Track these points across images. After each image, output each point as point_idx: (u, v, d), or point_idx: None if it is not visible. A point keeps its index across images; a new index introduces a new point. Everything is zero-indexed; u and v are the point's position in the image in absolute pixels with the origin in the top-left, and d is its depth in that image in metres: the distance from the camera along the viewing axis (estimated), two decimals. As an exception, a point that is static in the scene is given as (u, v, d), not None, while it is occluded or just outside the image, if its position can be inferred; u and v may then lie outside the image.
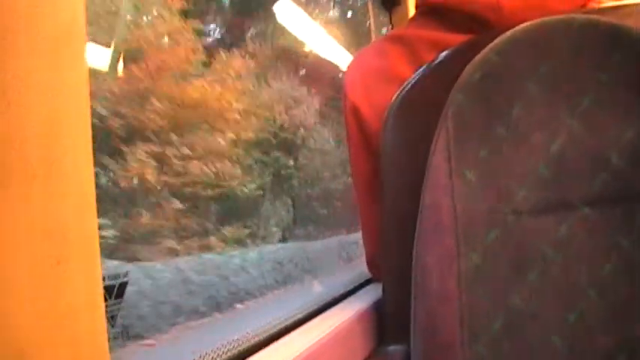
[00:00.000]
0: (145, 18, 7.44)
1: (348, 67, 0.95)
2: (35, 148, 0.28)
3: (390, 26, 1.57)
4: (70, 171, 0.30)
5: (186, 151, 7.11)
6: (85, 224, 0.31)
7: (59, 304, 0.29)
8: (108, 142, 6.22)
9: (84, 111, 0.32)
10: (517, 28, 0.68)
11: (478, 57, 0.68)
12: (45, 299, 0.29)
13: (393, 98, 0.80)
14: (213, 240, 7.12)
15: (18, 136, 0.27)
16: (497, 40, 0.68)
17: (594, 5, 0.79)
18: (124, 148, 6.53)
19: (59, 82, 0.30)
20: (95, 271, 0.32)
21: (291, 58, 8.77)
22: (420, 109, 0.78)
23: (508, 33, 0.68)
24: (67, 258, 0.30)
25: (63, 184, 0.30)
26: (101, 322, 0.32)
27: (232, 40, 8.85)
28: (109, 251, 5.33)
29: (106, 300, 0.34)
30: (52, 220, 0.29)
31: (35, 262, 0.28)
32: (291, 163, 9.02)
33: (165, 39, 7.37)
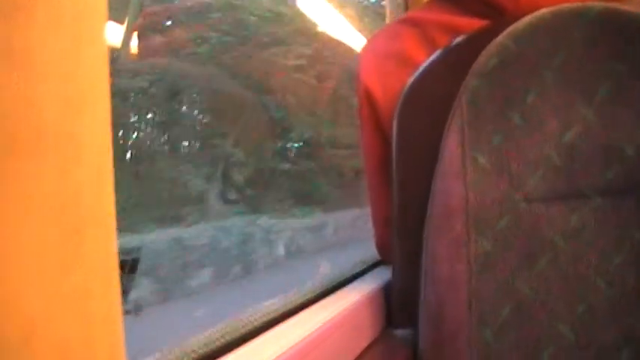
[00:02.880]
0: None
1: (362, 49, 0.94)
2: (53, 117, 0.28)
3: (405, 8, 1.56)
4: (87, 141, 0.30)
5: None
6: (101, 195, 0.31)
7: (73, 276, 0.29)
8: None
9: (103, 83, 0.32)
10: (534, 14, 0.67)
11: (494, 43, 0.68)
12: (59, 270, 0.29)
13: (407, 82, 0.80)
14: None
15: (36, 104, 0.28)
16: (513, 27, 0.67)
17: None
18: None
19: (79, 53, 0.30)
20: (111, 241, 0.32)
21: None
22: (434, 93, 0.77)
23: (525, 20, 0.67)
24: (83, 228, 0.30)
25: (79, 153, 0.30)
26: (116, 296, 0.33)
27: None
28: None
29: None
30: (67, 190, 0.29)
31: (50, 231, 0.28)
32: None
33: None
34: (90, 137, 0.31)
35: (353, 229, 8.12)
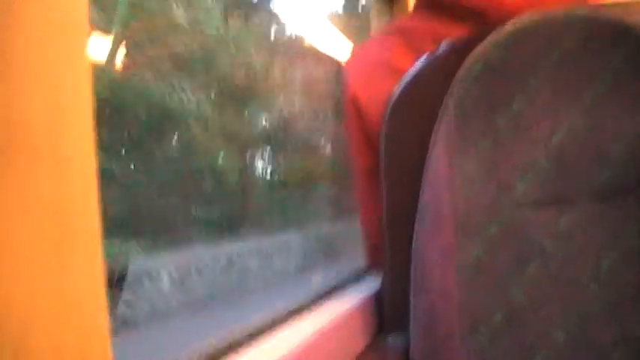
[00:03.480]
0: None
1: (349, 58, 0.94)
2: (39, 130, 0.29)
3: (391, 17, 1.57)
4: (73, 153, 0.31)
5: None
6: (87, 205, 0.32)
7: (61, 285, 0.30)
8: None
9: (86, 94, 0.32)
10: (518, 19, 0.68)
11: (479, 48, 0.68)
12: (47, 280, 0.29)
13: (394, 90, 0.80)
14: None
15: (23, 117, 0.28)
16: (497, 32, 0.68)
17: (598, 0, 0.79)
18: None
19: (63, 65, 0.30)
20: (97, 251, 0.32)
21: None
22: (421, 100, 0.78)
23: (510, 25, 0.68)
24: (69, 238, 0.30)
25: (66, 166, 0.30)
26: (103, 305, 0.33)
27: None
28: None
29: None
30: (55, 201, 0.29)
31: (37, 241, 0.29)
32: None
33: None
34: (74, 151, 0.31)
35: (220, 276, 4.80)
